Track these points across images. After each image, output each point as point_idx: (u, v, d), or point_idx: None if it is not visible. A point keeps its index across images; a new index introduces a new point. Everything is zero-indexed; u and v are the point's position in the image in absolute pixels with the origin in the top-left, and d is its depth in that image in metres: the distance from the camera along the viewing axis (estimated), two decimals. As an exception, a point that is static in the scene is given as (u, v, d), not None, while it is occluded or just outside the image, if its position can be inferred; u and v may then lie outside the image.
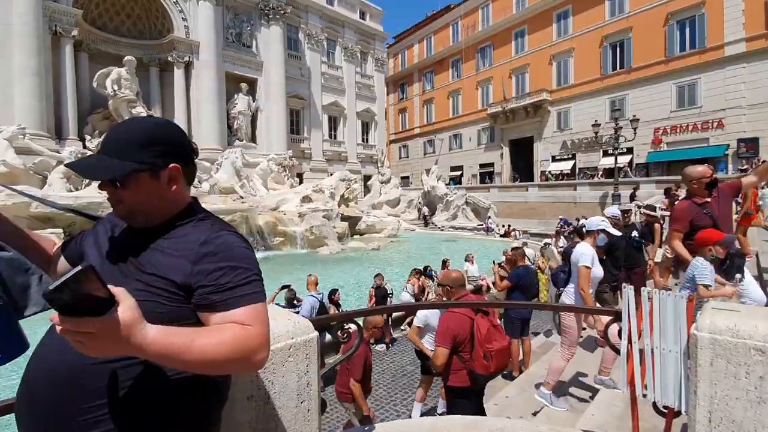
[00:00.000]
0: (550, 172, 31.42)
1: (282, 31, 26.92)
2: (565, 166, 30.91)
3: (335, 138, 33.08)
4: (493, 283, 8.52)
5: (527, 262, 10.00)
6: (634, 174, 25.65)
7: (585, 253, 3.64)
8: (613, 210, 5.08)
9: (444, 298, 3.31)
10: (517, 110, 33.36)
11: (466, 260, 10.11)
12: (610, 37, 28.24)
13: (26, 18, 17.41)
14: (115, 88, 19.86)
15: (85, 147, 19.30)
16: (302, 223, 17.90)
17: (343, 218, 21.95)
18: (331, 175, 25.49)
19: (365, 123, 35.64)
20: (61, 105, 19.20)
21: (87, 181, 16.38)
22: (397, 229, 24.13)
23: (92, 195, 14.05)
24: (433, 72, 42.85)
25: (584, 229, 3.96)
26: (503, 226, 24.17)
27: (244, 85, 25.50)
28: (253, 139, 26.48)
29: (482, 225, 27.98)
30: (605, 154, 27.03)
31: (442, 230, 29.13)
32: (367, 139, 35.96)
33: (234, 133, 25.58)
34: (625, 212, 5.49)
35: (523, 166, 34.48)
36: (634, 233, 5.35)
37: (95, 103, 20.85)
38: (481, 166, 38.53)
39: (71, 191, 15.04)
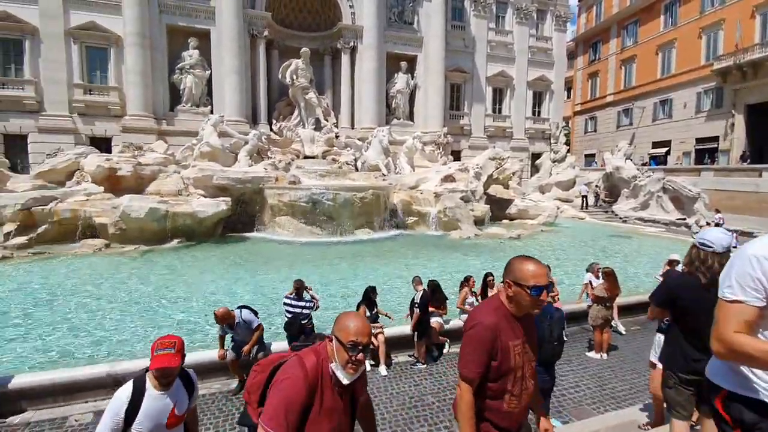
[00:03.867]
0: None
1: (443, 2, 25.89)
2: None
3: (499, 112, 30.50)
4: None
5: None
6: None
7: None
8: (714, 234, 2.57)
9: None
10: (763, 63, 23.67)
11: (588, 270, 7.67)
12: None
13: (231, 24, 21.66)
14: (294, 77, 23.04)
15: (271, 129, 23.18)
16: (437, 204, 17.31)
17: (490, 201, 20.31)
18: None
19: (538, 93, 31.57)
20: (256, 96, 23.43)
21: (264, 159, 19.63)
22: (554, 216, 20.91)
23: (258, 171, 16.79)
24: (638, 22, 34.33)
25: None
26: (709, 222, 17.98)
27: (403, 64, 25.88)
28: (410, 116, 26.86)
29: (683, 219, 21.57)
30: None
31: (624, 221, 23.92)
32: (538, 112, 31.91)
33: (392, 112, 26.44)
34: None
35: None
36: None
37: (282, 92, 24.62)
38: (699, 141, 29.43)
39: (251, 166, 18.32)
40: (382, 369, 5.45)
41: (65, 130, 20.72)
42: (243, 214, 16.31)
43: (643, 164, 29.04)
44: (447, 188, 17.98)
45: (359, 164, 21.20)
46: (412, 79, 26.42)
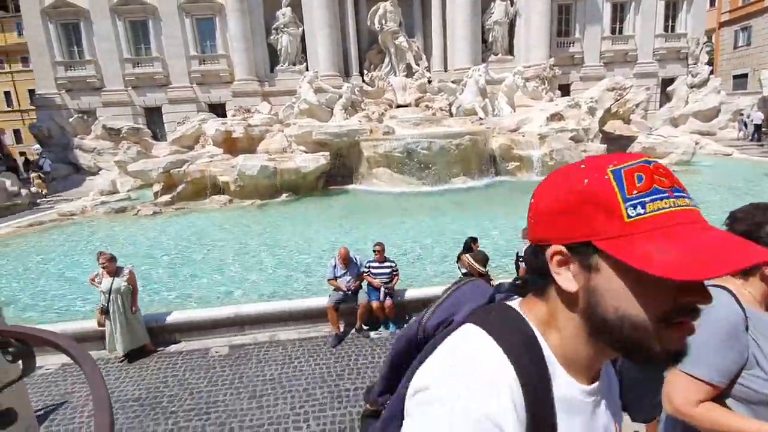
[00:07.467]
0: None
1: None
2: None
3: (620, 32, 25.85)
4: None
5: None
6: None
7: None
8: None
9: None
10: None
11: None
12: None
13: (319, -26, 21.28)
14: (383, 22, 22.26)
15: (363, 80, 23.06)
16: (542, 146, 15.81)
17: (607, 139, 17.98)
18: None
19: (671, 4, 25.83)
20: (346, 47, 23.26)
21: (358, 111, 19.73)
22: (691, 153, 17.76)
23: (353, 124, 17.02)
24: None
25: None
26: None
27: (502, -11, 23.13)
28: (509, 50, 24.31)
29: None
30: None
31: (787, 155, 19.37)
32: (672, 28, 26.30)
33: (489, 48, 24.19)
34: None
35: None
36: None
37: (372, 41, 23.98)
38: None
39: (346, 119, 18.64)
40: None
41: (188, 100, 23.27)
42: (342, 167, 16.87)
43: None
44: (554, 128, 16.24)
45: (454, 109, 20.14)
46: (512, 5, 23.56)
